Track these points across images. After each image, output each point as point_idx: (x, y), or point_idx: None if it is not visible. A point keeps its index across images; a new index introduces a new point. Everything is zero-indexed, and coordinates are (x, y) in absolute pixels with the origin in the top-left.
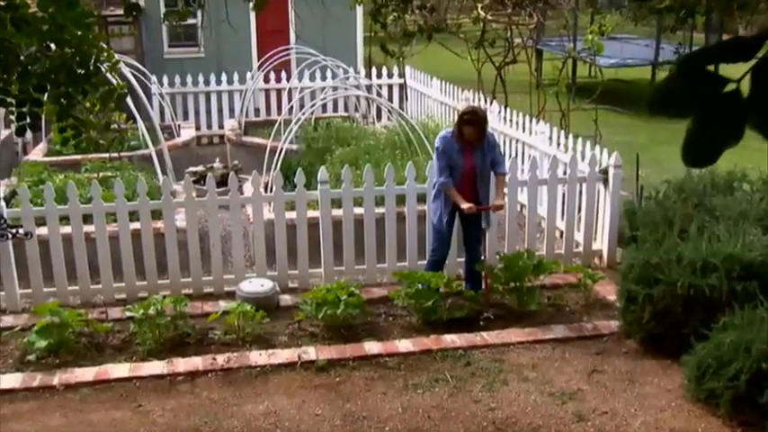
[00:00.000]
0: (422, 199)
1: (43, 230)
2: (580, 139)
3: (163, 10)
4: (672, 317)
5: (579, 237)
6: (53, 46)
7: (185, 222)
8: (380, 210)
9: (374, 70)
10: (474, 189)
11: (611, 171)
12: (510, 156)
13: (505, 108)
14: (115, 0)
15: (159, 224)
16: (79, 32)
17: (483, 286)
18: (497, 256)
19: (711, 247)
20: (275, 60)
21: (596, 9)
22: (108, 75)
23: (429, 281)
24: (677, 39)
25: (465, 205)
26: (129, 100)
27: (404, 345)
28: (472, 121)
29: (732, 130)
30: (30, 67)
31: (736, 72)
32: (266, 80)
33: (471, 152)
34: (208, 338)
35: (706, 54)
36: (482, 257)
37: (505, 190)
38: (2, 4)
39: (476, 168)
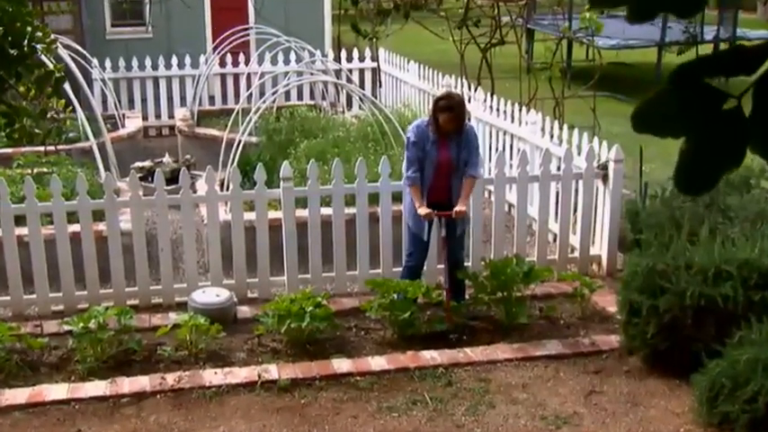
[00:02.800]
0: (397, 198)
1: None
2: (576, 131)
3: None
4: (680, 331)
5: (575, 240)
6: None
7: (131, 224)
8: (351, 210)
9: (344, 53)
10: (449, 184)
11: (612, 166)
12: (497, 149)
13: (492, 95)
14: None
15: (101, 226)
16: (10, 8)
17: (465, 297)
18: (482, 263)
19: (725, 252)
20: (232, 42)
21: None
22: (43, 56)
23: (405, 290)
24: None
25: (422, 210)
26: (67, 86)
27: (377, 362)
28: (448, 107)
29: (732, 152)
30: None
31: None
32: (222, 64)
33: (447, 144)
34: (156, 355)
35: (703, 64)
36: (457, 263)
37: (488, 187)
38: None
39: (452, 161)
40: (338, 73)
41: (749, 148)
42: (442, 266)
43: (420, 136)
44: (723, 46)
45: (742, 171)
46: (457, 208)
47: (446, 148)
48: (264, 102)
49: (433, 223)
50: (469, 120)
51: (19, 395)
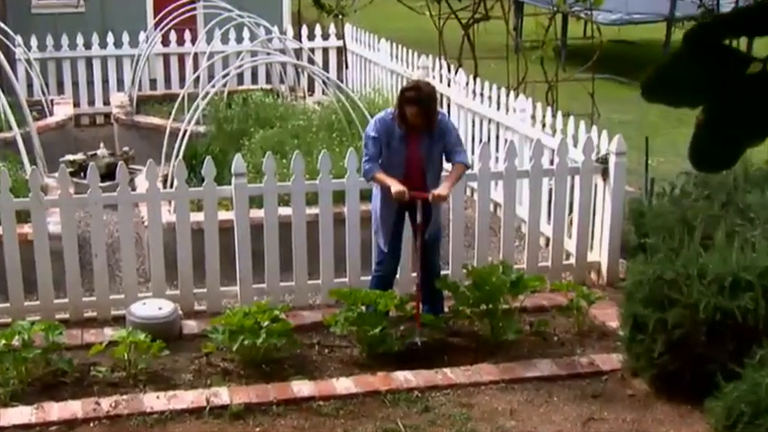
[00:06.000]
0: (366, 196)
1: None
2: (572, 119)
3: None
4: (692, 349)
5: (571, 245)
6: None
7: (60, 227)
8: (313, 210)
9: (305, 30)
10: (423, 183)
11: (613, 159)
12: (481, 140)
13: (475, 78)
14: None
15: (26, 229)
16: None
17: (444, 310)
18: (464, 270)
19: (744, 259)
20: (177, 17)
21: None
22: None
23: (376, 302)
24: None
25: (396, 188)
26: None
27: (343, 384)
28: (415, 100)
29: (756, 123)
30: None
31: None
32: (165, 42)
33: (417, 139)
34: (89, 377)
35: (724, 23)
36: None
37: (470, 184)
38: None
39: (423, 158)
40: (298, 53)
41: None
42: (417, 274)
43: (383, 131)
44: None
45: (764, 165)
46: (436, 191)
47: (416, 143)
48: (214, 86)
49: (402, 228)
50: (449, 106)
51: None
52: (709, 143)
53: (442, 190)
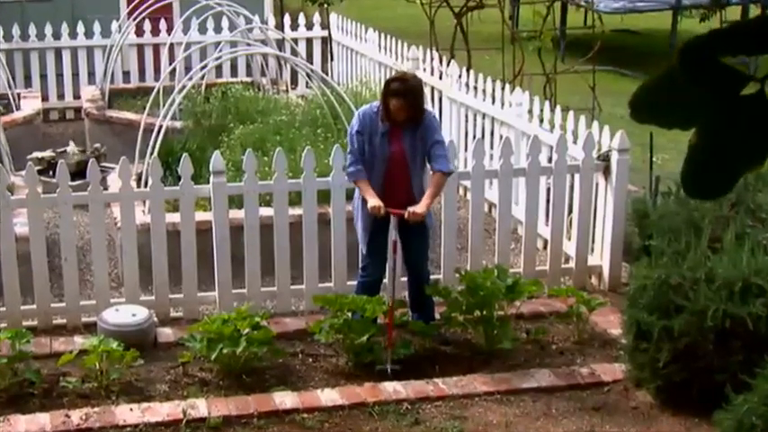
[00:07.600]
0: (353, 196)
1: None
2: (571, 114)
3: None
4: (699, 358)
5: (570, 248)
6: None
7: (27, 228)
8: (296, 211)
9: (287, 19)
10: (408, 183)
11: (615, 157)
12: (474, 136)
13: (468, 70)
14: None
15: None
16: None
17: (435, 317)
18: (457, 275)
19: (755, 263)
20: (152, 5)
21: None
22: None
23: (363, 308)
24: None
25: (372, 202)
26: None
27: (328, 396)
28: (400, 92)
29: (754, 146)
30: None
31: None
32: (139, 32)
33: (402, 135)
34: (59, 388)
35: (718, 39)
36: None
37: (463, 183)
38: None
39: (406, 156)
40: (281, 44)
41: None
42: (405, 279)
43: (366, 126)
44: (755, 10)
45: None
46: (412, 208)
47: (400, 140)
48: (191, 79)
49: (387, 231)
50: (440, 99)
51: None
52: (703, 168)
53: (419, 207)
